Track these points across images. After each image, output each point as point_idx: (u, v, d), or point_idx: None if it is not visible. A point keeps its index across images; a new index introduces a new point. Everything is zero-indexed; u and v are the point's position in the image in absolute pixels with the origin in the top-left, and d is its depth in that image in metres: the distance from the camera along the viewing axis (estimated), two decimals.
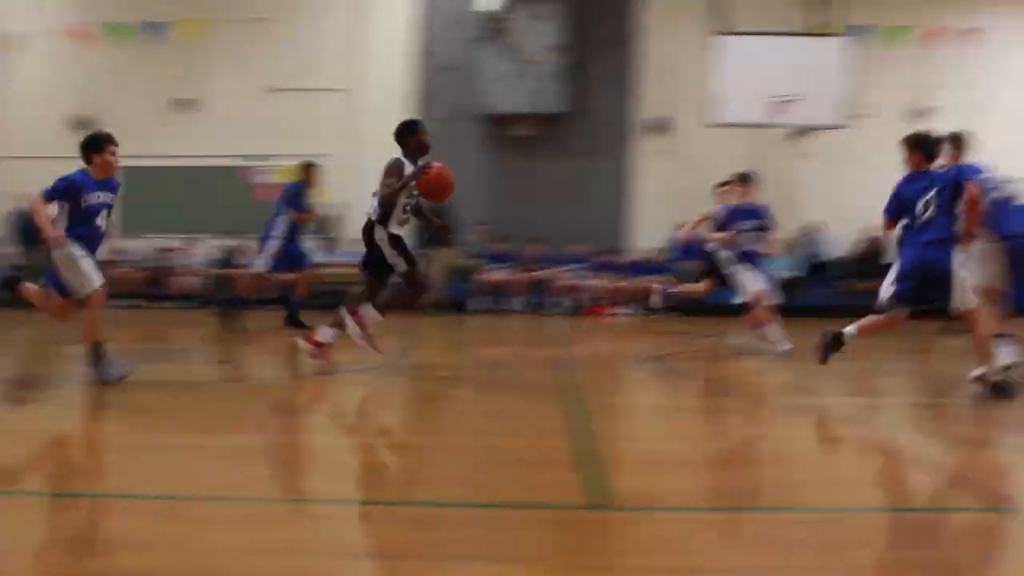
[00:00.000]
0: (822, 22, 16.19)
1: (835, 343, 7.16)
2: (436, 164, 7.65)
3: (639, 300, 17.04)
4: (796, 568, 3.21)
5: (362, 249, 7.76)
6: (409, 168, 7.56)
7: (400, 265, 7.59)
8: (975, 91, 18.59)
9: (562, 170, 17.99)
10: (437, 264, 15.79)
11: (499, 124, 18.00)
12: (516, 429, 5.78)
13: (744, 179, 10.52)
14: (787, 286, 17.11)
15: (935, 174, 7.14)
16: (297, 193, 11.78)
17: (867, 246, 17.56)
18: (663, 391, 8.06)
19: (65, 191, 6.83)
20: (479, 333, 13.70)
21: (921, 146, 7.31)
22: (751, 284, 10.02)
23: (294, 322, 11.28)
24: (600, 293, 16.95)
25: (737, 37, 15.68)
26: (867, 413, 7.01)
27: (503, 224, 17.42)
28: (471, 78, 17.65)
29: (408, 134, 7.80)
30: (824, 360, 7.23)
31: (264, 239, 11.68)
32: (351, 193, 14.95)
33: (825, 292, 17.63)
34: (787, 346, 9.75)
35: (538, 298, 16.97)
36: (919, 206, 6.98)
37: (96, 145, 7.01)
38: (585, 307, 16.98)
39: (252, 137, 17.79)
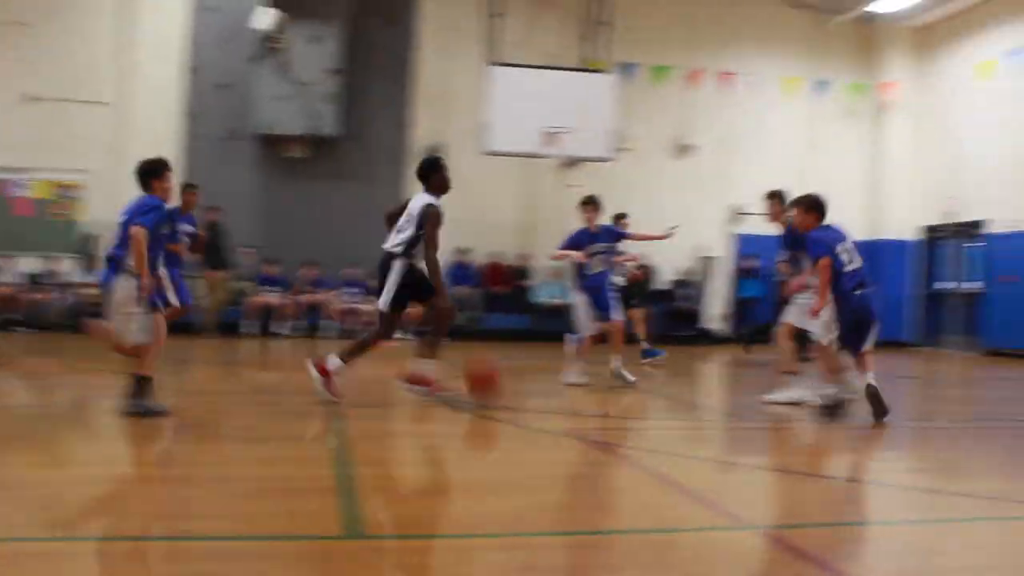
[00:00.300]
0: (592, 58, 16.83)
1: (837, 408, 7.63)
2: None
3: (413, 324, 17.11)
4: None
5: None
6: None
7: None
8: (732, 129, 19.83)
9: (338, 193, 17.83)
10: (212, 286, 15.33)
11: (273, 145, 17.68)
12: (281, 457, 5.67)
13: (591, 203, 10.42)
14: (557, 312, 17.69)
15: (836, 228, 7.99)
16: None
17: (635, 273, 18.30)
18: (429, 418, 8.08)
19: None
20: (249, 358, 13.33)
21: (816, 207, 8.00)
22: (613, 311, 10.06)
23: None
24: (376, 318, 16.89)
25: (510, 68, 16.05)
26: (626, 436, 7.28)
27: (276, 246, 17.09)
28: (245, 97, 17.26)
29: (433, 171, 8.14)
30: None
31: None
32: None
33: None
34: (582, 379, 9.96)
35: (311, 322, 16.75)
36: (843, 256, 7.72)
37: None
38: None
39: (4, 148, 16.67)
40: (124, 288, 6.49)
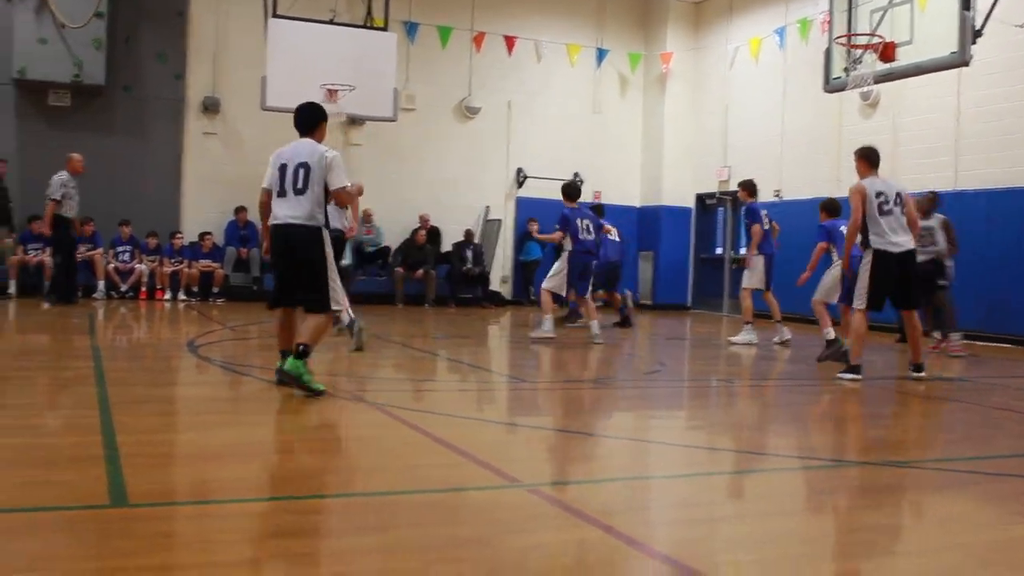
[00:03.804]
0: (377, 15, 16.53)
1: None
2: None
3: (192, 285, 16.51)
4: (323, 554, 3.21)
5: None
6: None
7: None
8: (516, 93, 20.03)
9: (108, 147, 16.79)
10: None
11: (35, 92, 16.48)
12: (46, 425, 5.31)
13: None
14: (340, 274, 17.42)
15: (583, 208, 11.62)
16: None
17: (416, 235, 18.29)
18: (201, 381, 7.80)
19: None
20: (16, 319, 12.45)
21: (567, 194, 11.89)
22: None
23: None
24: (151, 277, 16.21)
25: (291, 22, 15.57)
26: (407, 399, 7.25)
27: (40, 201, 15.92)
28: (2, 39, 15.96)
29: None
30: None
31: None
32: None
33: (374, 280, 18.14)
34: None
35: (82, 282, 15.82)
36: (580, 227, 11.52)
37: None
38: (137, 291, 16.15)
39: None
40: None
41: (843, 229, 10.09)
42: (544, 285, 11.72)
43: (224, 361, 8.57)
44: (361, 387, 7.49)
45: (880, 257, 8.44)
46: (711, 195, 20.43)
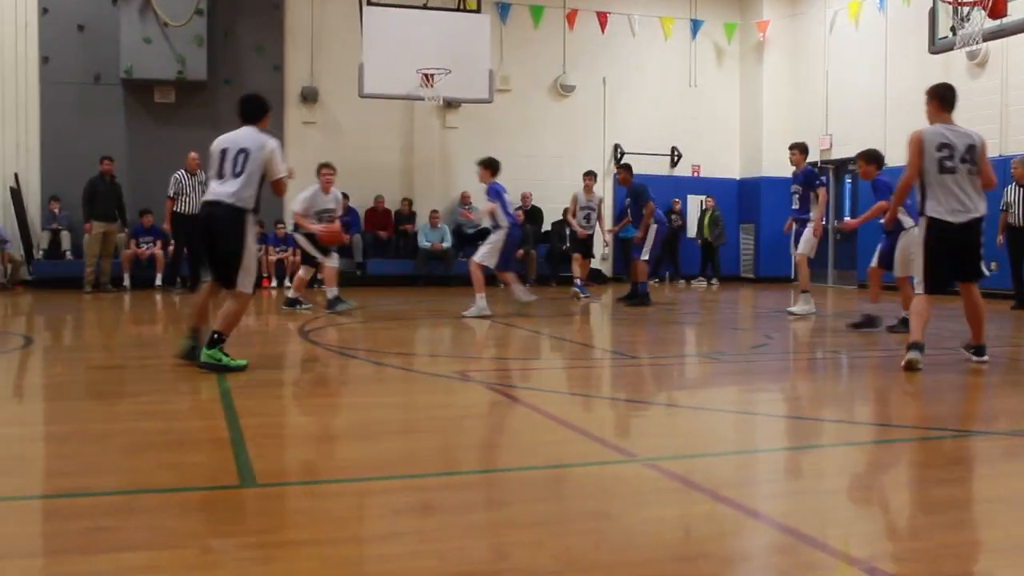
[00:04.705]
0: None
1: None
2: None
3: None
4: (440, 529, 3.28)
5: None
6: None
7: None
8: (610, 69, 19.89)
9: (212, 140, 17.07)
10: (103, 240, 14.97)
11: (141, 91, 17.00)
12: (174, 410, 5.51)
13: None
14: (436, 256, 17.60)
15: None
16: None
17: (519, 216, 18.31)
18: (315, 365, 7.97)
19: None
20: (130, 311, 12.90)
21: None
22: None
23: None
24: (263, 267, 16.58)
25: (385, 9, 15.74)
26: (515, 377, 7.31)
27: (148, 197, 16.41)
28: (107, 40, 16.49)
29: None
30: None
31: None
32: None
33: None
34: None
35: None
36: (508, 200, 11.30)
37: None
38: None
39: None
40: None
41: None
42: (477, 259, 11.46)
43: (335, 346, 8.75)
44: (469, 366, 7.58)
45: (936, 228, 6.88)
46: (813, 164, 19.97)
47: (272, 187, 6.90)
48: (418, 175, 18.72)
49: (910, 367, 6.71)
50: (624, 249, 19.58)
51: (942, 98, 7.04)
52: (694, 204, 20.19)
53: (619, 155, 19.79)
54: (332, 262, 11.90)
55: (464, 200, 18.12)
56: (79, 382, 6.72)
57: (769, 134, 20.37)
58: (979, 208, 6.86)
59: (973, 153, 6.83)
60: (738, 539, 3.27)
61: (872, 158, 10.11)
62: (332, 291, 11.82)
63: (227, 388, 5.93)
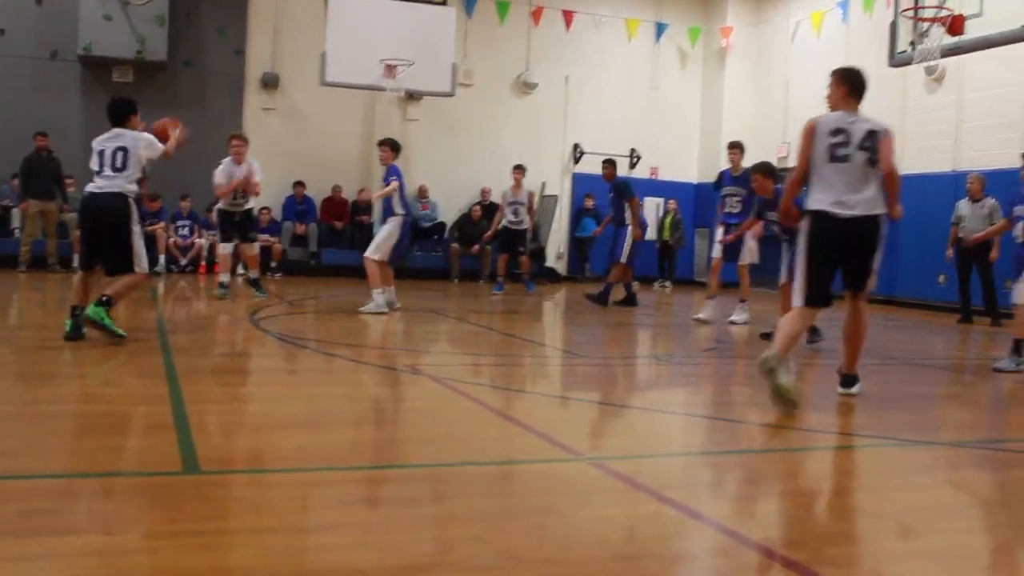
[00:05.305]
0: None
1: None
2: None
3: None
4: (384, 522, 3.26)
5: None
6: None
7: None
8: (573, 68, 19.93)
9: None
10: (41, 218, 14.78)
11: (97, 68, 16.74)
12: (119, 394, 5.44)
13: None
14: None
15: None
16: None
17: (472, 211, 18.32)
18: (264, 353, 7.92)
19: None
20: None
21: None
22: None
23: None
24: (210, 251, 16.43)
25: None
26: (465, 373, 7.30)
27: None
28: (65, 15, 16.23)
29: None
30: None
31: None
32: None
33: (430, 256, 18.22)
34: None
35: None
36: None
37: None
38: (196, 266, 16.41)
39: None
40: None
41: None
42: (372, 255, 10.61)
43: (284, 334, 8.69)
44: (419, 360, 7.56)
45: (818, 223, 5.80)
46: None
47: (164, 157, 7.80)
48: (376, 166, 18.59)
49: (766, 366, 5.50)
50: (580, 249, 19.68)
51: (851, 83, 5.92)
52: (651, 206, 20.27)
53: (578, 154, 19.85)
54: (253, 250, 12.10)
55: (422, 193, 18.07)
56: (18, 362, 6.61)
57: (729, 139, 20.45)
58: (875, 205, 5.74)
59: (874, 140, 5.72)
60: (681, 540, 3.29)
61: (770, 172, 9.53)
62: (254, 273, 12.16)
63: (174, 373, 5.86)
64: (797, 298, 5.87)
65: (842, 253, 5.78)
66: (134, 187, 7.37)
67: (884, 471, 4.47)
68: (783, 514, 3.70)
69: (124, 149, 7.40)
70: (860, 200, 5.67)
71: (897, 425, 5.57)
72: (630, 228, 12.82)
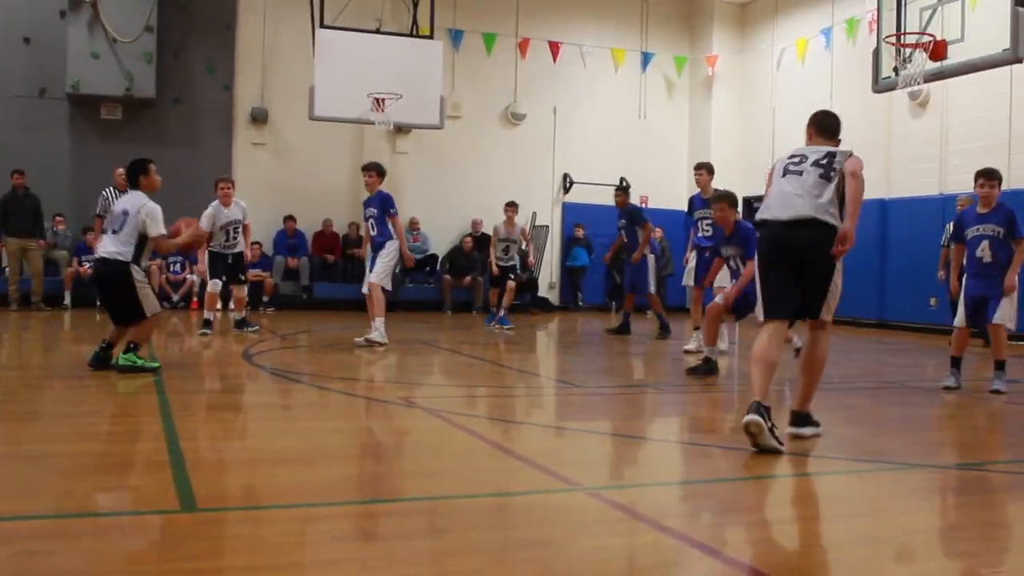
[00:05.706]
0: (422, 24, 16.65)
1: None
2: None
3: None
4: (381, 557, 3.25)
5: None
6: None
7: None
8: (561, 99, 20.04)
9: (159, 158, 16.59)
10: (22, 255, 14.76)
11: (87, 106, 16.78)
12: (114, 432, 5.42)
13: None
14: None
15: None
16: None
17: (463, 242, 18.34)
18: (258, 389, 7.89)
19: None
20: (72, 330, 12.68)
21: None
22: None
23: None
24: (202, 287, 16.39)
25: (338, 32, 15.74)
26: (460, 405, 7.29)
27: (89, 214, 16.14)
28: (53, 53, 16.29)
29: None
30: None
31: None
32: None
33: (423, 288, 18.22)
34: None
35: None
36: None
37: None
38: (188, 302, 16.38)
39: None
40: None
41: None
42: (375, 280, 10.49)
43: (278, 369, 8.67)
44: (414, 393, 7.55)
45: (764, 232, 5.49)
46: (759, 198, 20.23)
47: (154, 245, 7.78)
48: None
49: (748, 431, 5.06)
50: (572, 278, 19.70)
51: (818, 125, 5.81)
52: None
53: (568, 184, 19.92)
54: (242, 292, 12.25)
55: (413, 225, 18.10)
56: (12, 401, 6.58)
57: (716, 167, 20.44)
58: (824, 212, 5.24)
59: (831, 158, 5.39)
60: (681, 569, 3.28)
61: (734, 203, 9.36)
62: (238, 314, 12.18)
63: (168, 411, 5.84)
64: (759, 314, 5.48)
65: (792, 261, 5.29)
66: (130, 249, 7.55)
67: (881, 495, 4.47)
68: (782, 541, 3.69)
69: (126, 212, 7.66)
70: (808, 204, 5.24)
71: (893, 448, 5.57)
72: (651, 258, 12.91)
